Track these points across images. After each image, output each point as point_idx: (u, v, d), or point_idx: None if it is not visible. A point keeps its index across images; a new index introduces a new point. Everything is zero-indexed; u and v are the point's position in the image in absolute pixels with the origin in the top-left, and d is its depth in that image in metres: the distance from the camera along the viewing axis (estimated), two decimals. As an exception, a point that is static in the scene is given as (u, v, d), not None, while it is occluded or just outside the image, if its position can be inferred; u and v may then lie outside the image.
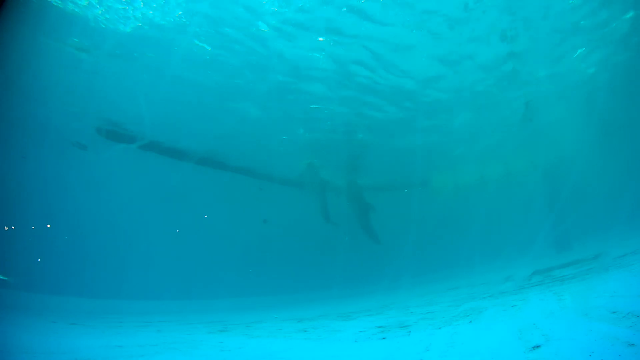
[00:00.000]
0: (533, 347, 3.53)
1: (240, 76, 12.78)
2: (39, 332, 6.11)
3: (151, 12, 9.94)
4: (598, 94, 16.54)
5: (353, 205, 20.00)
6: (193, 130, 16.32)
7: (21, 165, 18.60)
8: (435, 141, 18.83)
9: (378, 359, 4.31)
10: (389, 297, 12.10)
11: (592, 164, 23.54)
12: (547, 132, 19.15)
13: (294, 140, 17.55)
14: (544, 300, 5.91)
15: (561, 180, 20.05)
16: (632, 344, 3.05)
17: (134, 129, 15.87)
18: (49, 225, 22.76)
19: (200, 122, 15.76)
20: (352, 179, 20.11)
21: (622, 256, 8.51)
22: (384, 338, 5.16)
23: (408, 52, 12.21)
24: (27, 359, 4.18)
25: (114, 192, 22.83)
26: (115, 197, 23.31)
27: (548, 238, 17.94)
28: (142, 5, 9.75)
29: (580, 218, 19.83)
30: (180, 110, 14.82)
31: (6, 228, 20.57)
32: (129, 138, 16.23)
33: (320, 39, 11.16)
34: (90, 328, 7.08)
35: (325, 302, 13.02)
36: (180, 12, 9.96)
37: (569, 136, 20.07)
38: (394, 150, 19.20)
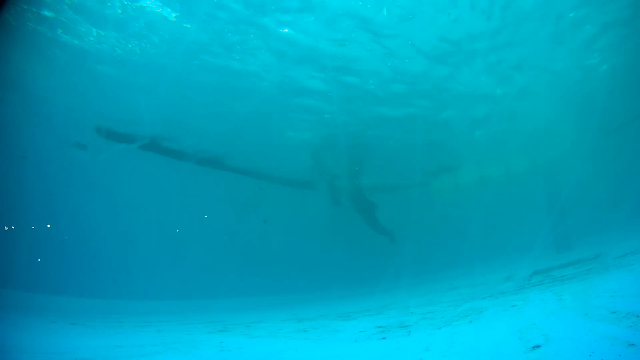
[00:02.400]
0: (533, 347, 3.53)
1: (243, 77, 12.79)
2: (39, 332, 6.11)
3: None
4: (598, 93, 16.54)
5: (356, 206, 20.03)
6: (193, 130, 16.32)
7: (21, 165, 18.61)
8: (438, 140, 18.86)
9: (378, 359, 4.31)
10: (389, 297, 12.10)
11: (592, 163, 23.56)
12: (547, 133, 19.17)
13: (296, 140, 17.57)
14: (544, 300, 5.90)
15: (561, 181, 20.06)
16: (632, 344, 3.05)
17: (134, 129, 15.88)
18: (49, 225, 22.76)
19: (200, 122, 15.76)
20: (352, 179, 20.12)
21: (622, 256, 8.51)
22: (384, 338, 5.16)
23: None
24: (27, 359, 4.18)
25: (114, 192, 22.85)
26: (115, 197, 23.33)
27: (548, 238, 17.93)
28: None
29: (580, 218, 19.83)
30: (180, 109, 14.83)
31: (6, 228, 20.56)
32: (129, 138, 16.23)
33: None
34: (90, 328, 7.08)
35: (325, 302, 13.02)
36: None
37: (568, 136, 20.10)
38: (394, 149, 19.22)
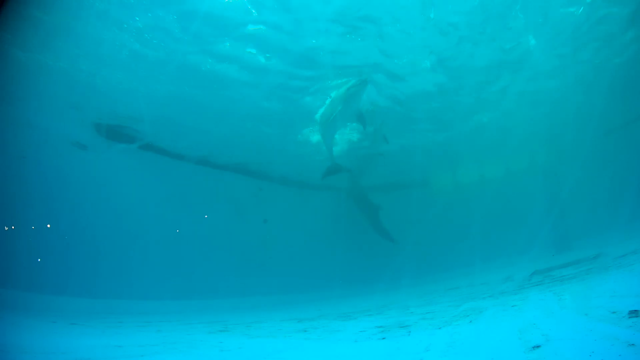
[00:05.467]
0: (533, 347, 3.52)
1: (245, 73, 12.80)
2: (39, 332, 6.11)
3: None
4: (597, 93, 16.54)
5: (358, 206, 20.01)
6: (194, 130, 16.32)
7: (21, 165, 18.60)
8: (439, 140, 18.86)
9: (378, 359, 4.31)
10: (389, 297, 12.09)
11: (592, 163, 23.54)
12: (547, 132, 19.18)
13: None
14: (544, 300, 5.90)
15: (561, 180, 20.03)
16: (632, 344, 3.05)
17: (134, 129, 15.88)
18: (49, 225, 22.74)
19: (201, 122, 15.76)
20: (354, 180, 20.10)
21: (622, 256, 8.51)
22: (384, 338, 5.16)
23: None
24: (27, 359, 4.18)
25: (114, 192, 22.82)
26: (115, 197, 23.30)
27: (548, 238, 17.93)
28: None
29: (580, 218, 19.83)
30: (181, 110, 14.83)
31: (6, 228, 20.56)
32: (129, 138, 16.23)
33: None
34: (90, 328, 7.08)
35: (325, 302, 13.02)
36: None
37: (569, 136, 20.09)
38: (394, 149, 19.21)
